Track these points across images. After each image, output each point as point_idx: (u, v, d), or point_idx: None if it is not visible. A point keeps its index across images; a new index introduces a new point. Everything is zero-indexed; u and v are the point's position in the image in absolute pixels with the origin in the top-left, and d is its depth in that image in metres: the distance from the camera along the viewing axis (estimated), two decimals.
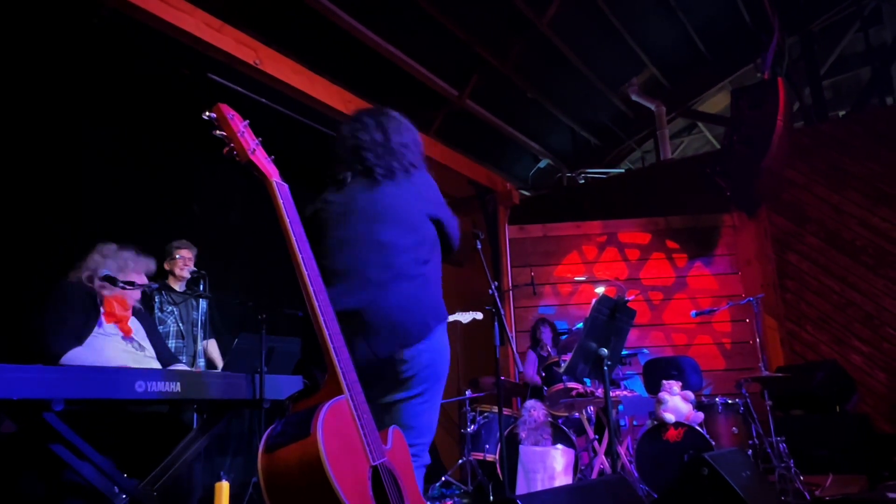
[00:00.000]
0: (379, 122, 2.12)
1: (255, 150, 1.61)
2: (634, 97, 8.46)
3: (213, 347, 4.04)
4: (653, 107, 8.48)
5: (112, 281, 2.94)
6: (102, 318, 2.82)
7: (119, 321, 2.88)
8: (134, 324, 3.00)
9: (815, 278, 6.40)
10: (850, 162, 6.41)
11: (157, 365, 2.95)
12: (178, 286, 3.93)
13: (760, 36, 7.60)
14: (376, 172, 2.01)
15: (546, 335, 5.48)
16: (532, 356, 5.53)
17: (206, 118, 1.59)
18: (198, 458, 3.09)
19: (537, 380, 5.10)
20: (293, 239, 1.56)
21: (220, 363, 4.08)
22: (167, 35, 3.72)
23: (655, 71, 8.29)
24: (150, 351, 2.99)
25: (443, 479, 4.67)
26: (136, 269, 2.97)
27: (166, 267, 3.96)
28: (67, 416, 2.22)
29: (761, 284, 6.31)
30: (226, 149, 1.60)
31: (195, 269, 3.91)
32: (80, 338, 2.70)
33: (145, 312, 3.21)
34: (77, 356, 2.64)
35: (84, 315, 2.77)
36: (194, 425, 3.34)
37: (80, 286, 2.84)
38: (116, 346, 2.79)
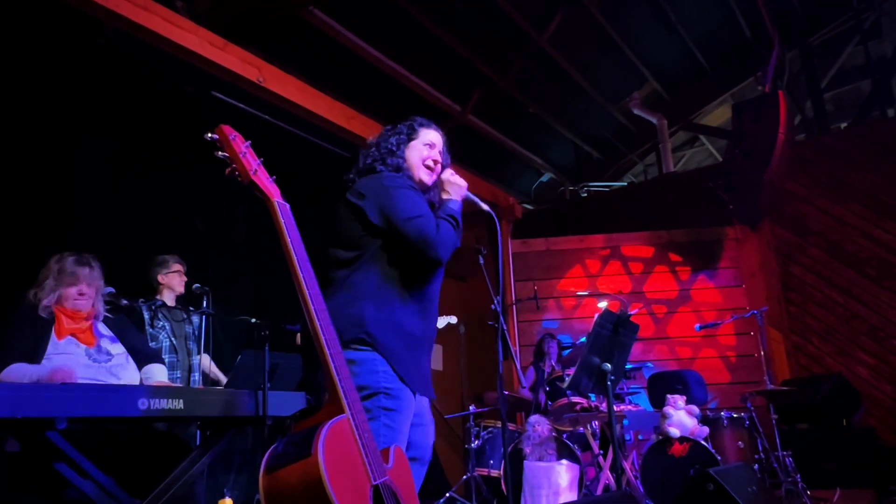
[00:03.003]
0: None
1: (256, 170, 1.63)
2: (636, 111, 8.50)
3: (206, 362, 3.95)
4: (654, 120, 8.51)
5: (115, 298, 2.94)
6: (54, 335, 2.66)
7: (75, 333, 2.71)
8: (103, 329, 2.85)
9: (819, 291, 6.38)
10: (852, 174, 6.42)
11: (125, 373, 2.78)
12: (170, 300, 3.86)
13: (760, 50, 7.65)
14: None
15: (552, 349, 5.47)
16: (531, 372, 5.53)
17: (208, 139, 1.60)
18: (201, 475, 3.08)
19: (529, 395, 5.14)
20: (295, 259, 1.57)
21: (220, 377, 4.05)
22: (171, 54, 3.75)
23: (656, 85, 8.34)
24: (119, 357, 2.81)
25: (447, 495, 4.64)
26: (88, 279, 2.79)
27: (161, 280, 3.84)
28: (71, 435, 2.22)
29: (765, 297, 6.29)
30: (228, 169, 1.62)
31: (199, 284, 3.89)
32: (31, 359, 2.58)
33: (119, 316, 3.04)
34: (15, 371, 2.50)
35: (33, 337, 2.62)
36: (197, 442, 3.33)
37: (24, 311, 2.69)
38: (78, 361, 2.62)
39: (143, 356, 2.98)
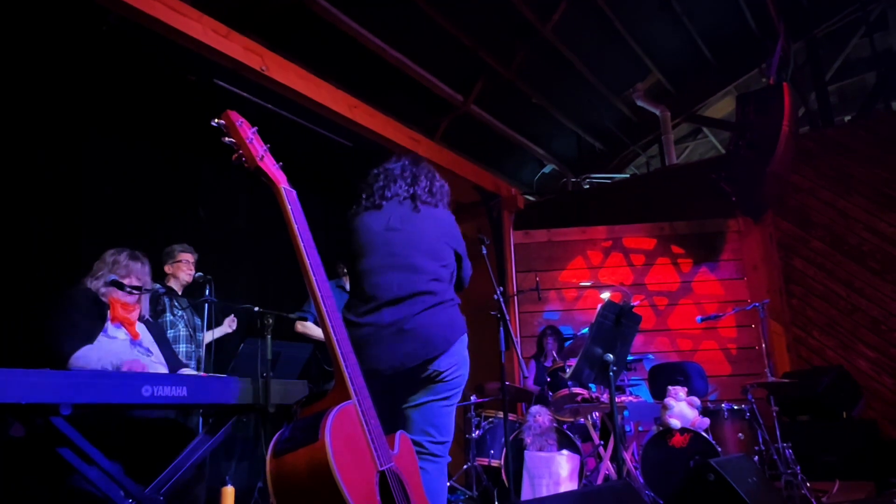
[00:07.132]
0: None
1: (263, 156, 1.62)
2: (639, 102, 8.47)
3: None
4: (658, 112, 8.49)
5: (119, 286, 2.95)
6: (108, 322, 2.84)
7: (125, 322, 2.90)
8: (141, 329, 3.01)
9: (821, 283, 6.38)
10: (856, 167, 6.40)
11: (164, 370, 2.95)
12: (178, 289, 3.89)
13: (765, 41, 7.60)
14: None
15: (551, 345, 5.48)
16: (532, 366, 5.53)
17: (215, 125, 1.60)
18: (203, 463, 3.09)
19: (535, 388, 5.15)
20: (301, 245, 1.57)
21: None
22: (174, 42, 3.73)
23: (660, 76, 8.31)
24: (159, 356, 2.99)
25: (448, 484, 4.66)
26: (139, 273, 2.99)
27: (167, 270, 3.89)
28: (75, 421, 2.23)
29: (767, 290, 6.29)
30: (234, 156, 1.61)
31: (201, 273, 3.90)
32: (89, 340, 2.73)
33: (153, 321, 3.22)
34: (86, 355, 2.65)
35: (91, 319, 2.79)
36: (200, 430, 3.34)
37: (87, 292, 2.87)
38: (125, 348, 2.80)
39: (174, 363, 3.11)
